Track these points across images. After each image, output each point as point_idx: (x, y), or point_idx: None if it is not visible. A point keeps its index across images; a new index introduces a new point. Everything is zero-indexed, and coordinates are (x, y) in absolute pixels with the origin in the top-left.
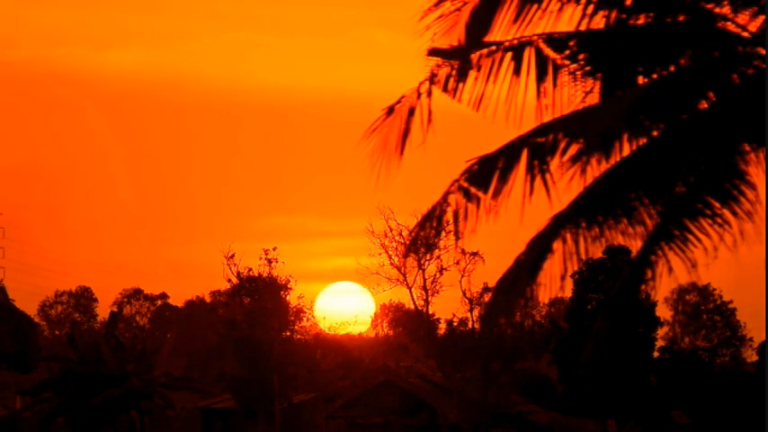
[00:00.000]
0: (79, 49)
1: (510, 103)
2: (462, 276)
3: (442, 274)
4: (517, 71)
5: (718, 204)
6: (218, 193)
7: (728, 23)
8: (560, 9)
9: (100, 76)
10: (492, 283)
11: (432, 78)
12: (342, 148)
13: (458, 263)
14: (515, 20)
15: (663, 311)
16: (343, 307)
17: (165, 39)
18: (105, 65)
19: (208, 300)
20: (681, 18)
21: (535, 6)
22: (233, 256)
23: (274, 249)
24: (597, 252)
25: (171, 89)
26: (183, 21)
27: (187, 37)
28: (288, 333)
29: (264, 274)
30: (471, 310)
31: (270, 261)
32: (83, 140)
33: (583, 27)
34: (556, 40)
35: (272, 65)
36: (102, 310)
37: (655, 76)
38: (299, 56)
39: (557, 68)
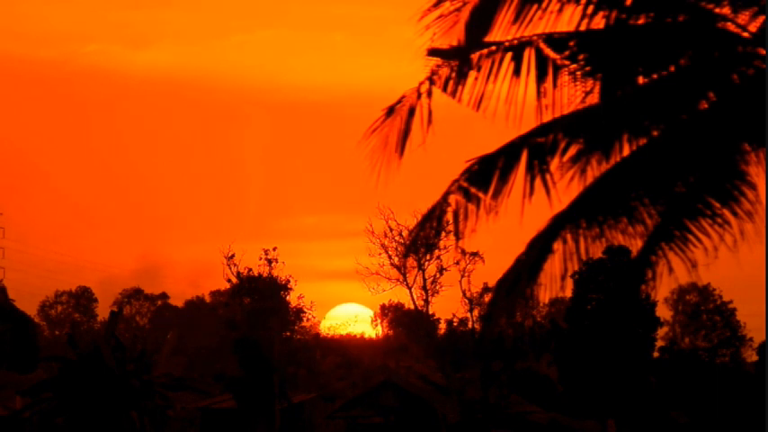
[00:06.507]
0: (109, 47)
1: (510, 103)
2: (462, 276)
3: (441, 274)
4: (517, 71)
5: (718, 204)
6: (218, 192)
7: (728, 23)
8: (560, 9)
9: (129, 74)
10: (492, 283)
11: (432, 78)
12: (348, 147)
13: (458, 263)
14: (515, 20)
15: (663, 311)
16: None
17: (198, 36)
18: (137, 62)
19: (208, 300)
20: (681, 18)
21: (535, 6)
22: (233, 256)
23: (274, 249)
24: (597, 252)
25: (195, 88)
26: (216, 18)
27: (220, 34)
28: (288, 333)
29: (264, 275)
30: (471, 310)
31: (270, 261)
32: (85, 139)
33: (583, 27)
34: (556, 40)
35: (306, 62)
36: (103, 310)
37: (655, 76)
38: (334, 54)
39: (557, 68)
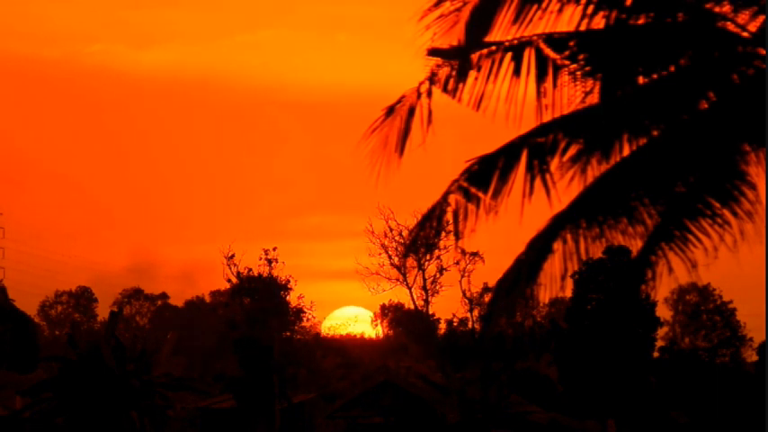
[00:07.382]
0: (113, 47)
1: (510, 103)
2: (462, 276)
3: (441, 274)
4: (517, 71)
5: (718, 204)
6: (219, 192)
7: (728, 23)
8: (560, 9)
9: (133, 73)
10: (492, 283)
11: (432, 78)
12: (348, 146)
13: (458, 263)
14: (515, 20)
15: (663, 311)
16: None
17: (201, 36)
18: (141, 62)
19: (208, 300)
20: (681, 18)
21: (535, 6)
22: (233, 256)
23: (274, 249)
24: (597, 252)
25: (198, 87)
26: (220, 18)
27: (224, 34)
28: (288, 333)
29: (264, 275)
30: (471, 310)
31: (270, 261)
32: (88, 139)
33: (583, 27)
34: (556, 40)
35: (309, 62)
36: (103, 310)
37: (655, 76)
38: (337, 53)
39: (557, 68)
